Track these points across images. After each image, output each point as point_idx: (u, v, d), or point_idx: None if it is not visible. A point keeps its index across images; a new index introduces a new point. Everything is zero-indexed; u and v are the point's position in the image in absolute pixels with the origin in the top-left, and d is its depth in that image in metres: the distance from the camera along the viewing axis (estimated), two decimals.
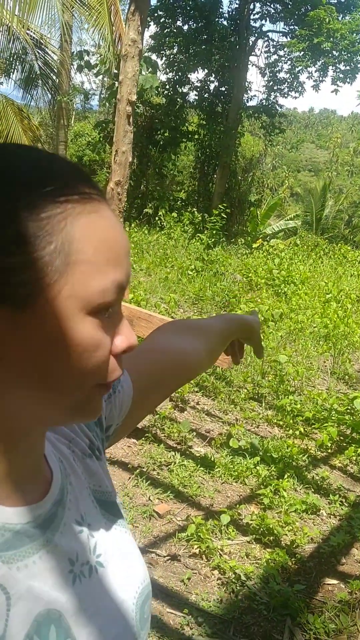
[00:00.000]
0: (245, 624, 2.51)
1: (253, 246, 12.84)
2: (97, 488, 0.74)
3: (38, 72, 10.89)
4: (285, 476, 3.63)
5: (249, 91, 16.77)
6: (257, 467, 3.70)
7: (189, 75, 15.91)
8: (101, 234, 0.53)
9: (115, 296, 0.54)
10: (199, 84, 16.15)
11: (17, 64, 10.91)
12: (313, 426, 4.55)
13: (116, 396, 0.81)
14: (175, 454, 3.76)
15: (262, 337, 1.21)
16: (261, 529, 3.12)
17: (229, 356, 1.22)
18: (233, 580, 2.76)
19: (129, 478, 3.44)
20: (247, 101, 16.83)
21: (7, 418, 0.55)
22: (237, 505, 3.36)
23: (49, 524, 0.61)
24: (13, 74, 11.22)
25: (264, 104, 16.97)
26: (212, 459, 3.79)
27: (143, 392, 0.86)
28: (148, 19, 15.15)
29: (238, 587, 2.72)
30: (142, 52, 3.05)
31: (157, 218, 13.63)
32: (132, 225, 12.58)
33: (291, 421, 4.53)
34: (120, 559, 0.71)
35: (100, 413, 0.57)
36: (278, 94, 16.99)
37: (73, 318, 0.51)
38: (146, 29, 15.06)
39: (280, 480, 3.56)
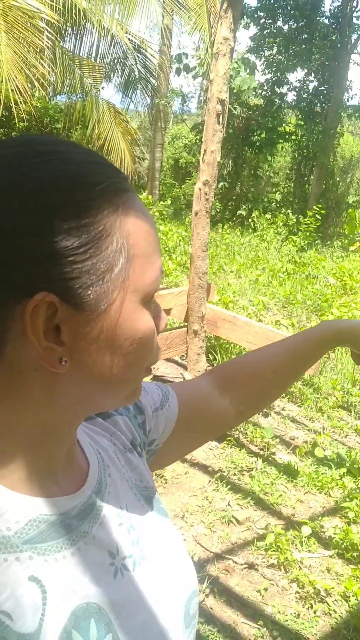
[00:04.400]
0: None
1: (350, 249, 12.40)
2: (138, 483, 0.73)
3: (137, 75, 11.09)
4: None
5: (349, 90, 16.30)
6: (343, 479, 3.55)
7: (287, 76, 15.65)
8: (144, 224, 0.54)
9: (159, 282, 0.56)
10: (297, 84, 15.85)
11: (118, 68, 11.17)
12: None
13: (163, 412, 0.80)
14: (257, 459, 3.69)
15: None
16: (344, 544, 2.98)
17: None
18: (312, 595, 2.65)
19: (209, 481, 3.40)
20: (348, 100, 16.28)
21: (58, 413, 0.54)
22: (320, 517, 3.24)
23: (87, 515, 0.60)
24: (113, 78, 11.51)
25: None
26: (296, 467, 3.68)
27: (182, 424, 0.83)
28: (248, 20, 15.16)
29: (317, 603, 2.62)
30: (233, 50, 3.01)
31: (250, 220, 13.52)
32: (225, 226, 12.54)
33: None
34: (165, 553, 0.69)
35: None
36: None
37: (137, 311, 0.52)
38: (246, 30, 15.12)
39: None
